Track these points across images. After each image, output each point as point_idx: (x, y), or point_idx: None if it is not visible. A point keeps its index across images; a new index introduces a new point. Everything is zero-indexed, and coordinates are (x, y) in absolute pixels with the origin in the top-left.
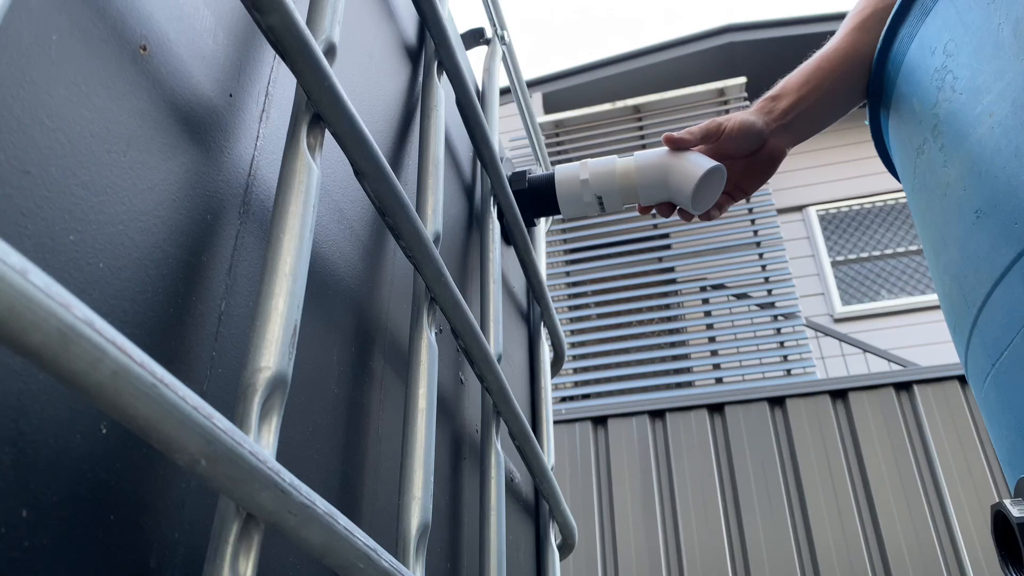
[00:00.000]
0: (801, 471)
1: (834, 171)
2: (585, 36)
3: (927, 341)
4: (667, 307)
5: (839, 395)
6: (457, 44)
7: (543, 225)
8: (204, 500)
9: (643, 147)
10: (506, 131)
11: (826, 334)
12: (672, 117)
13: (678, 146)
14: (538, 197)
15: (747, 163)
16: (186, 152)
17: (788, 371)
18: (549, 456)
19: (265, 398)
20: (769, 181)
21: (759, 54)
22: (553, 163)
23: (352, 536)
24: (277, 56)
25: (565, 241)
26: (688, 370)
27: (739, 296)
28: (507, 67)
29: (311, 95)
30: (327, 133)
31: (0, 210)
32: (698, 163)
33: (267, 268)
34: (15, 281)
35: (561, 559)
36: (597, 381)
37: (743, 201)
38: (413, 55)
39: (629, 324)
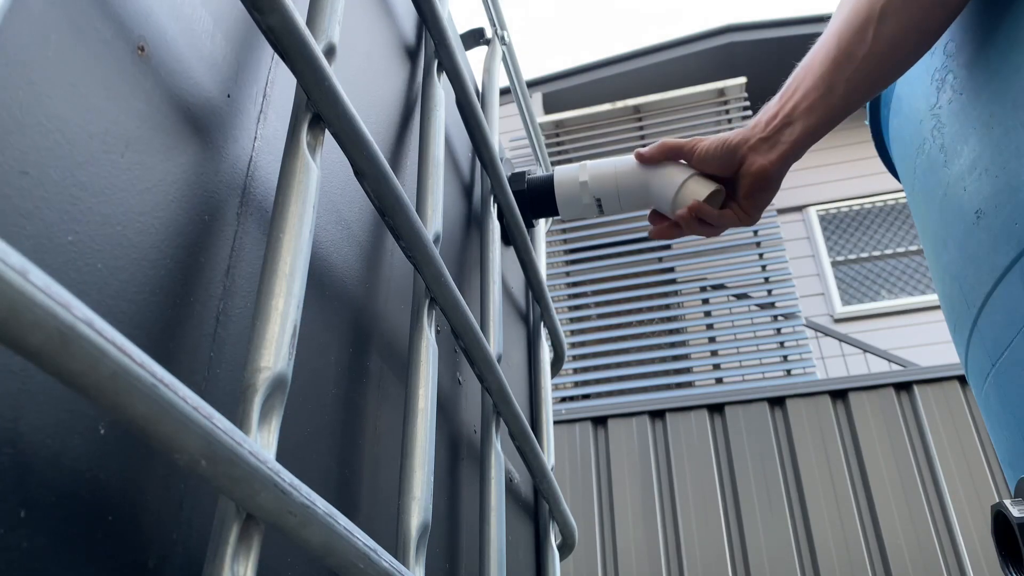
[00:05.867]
0: (801, 471)
1: (834, 171)
2: (585, 36)
3: (927, 341)
4: (667, 307)
5: (839, 395)
6: (457, 44)
7: (543, 225)
8: (204, 500)
9: (643, 147)
10: (506, 131)
11: (826, 334)
12: (672, 117)
13: (643, 160)
14: (537, 198)
15: (739, 184)
16: (184, 153)
17: (788, 371)
18: (549, 456)
19: (265, 398)
20: None
21: (759, 54)
22: (553, 163)
23: (352, 536)
24: (276, 56)
25: (565, 241)
26: (688, 370)
27: (739, 296)
28: (507, 67)
29: (311, 95)
30: (327, 133)
31: (0, 210)
32: (679, 170)
33: (267, 268)
34: (15, 281)
35: (561, 559)
36: (597, 381)
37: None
38: (413, 55)
39: (629, 324)
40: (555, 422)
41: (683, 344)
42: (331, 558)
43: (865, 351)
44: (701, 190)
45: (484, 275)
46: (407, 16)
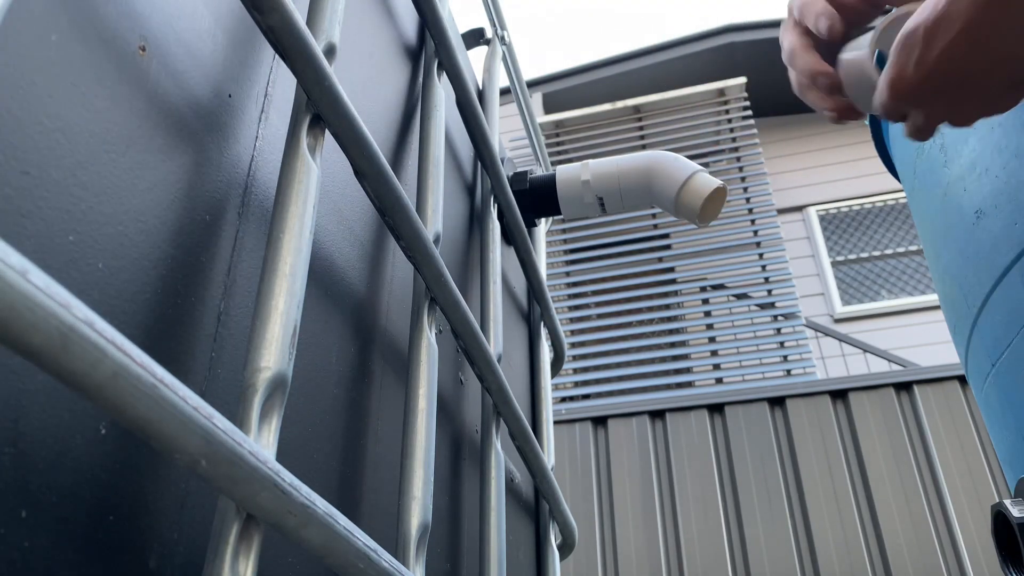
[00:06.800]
0: (801, 471)
1: (834, 171)
2: (585, 36)
3: (927, 341)
4: (667, 307)
5: (839, 395)
6: (457, 44)
7: (543, 225)
8: (204, 500)
9: (643, 147)
10: (506, 131)
11: (826, 334)
12: (672, 117)
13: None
14: (539, 197)
15: None
16: (185, 153)
17: (788, 371)
18: (549, 456)
19: (265, 398)
20: (769, 181)
21: (759, 54)
22: (553, 163)
23: (352, 536)
24: (276, 56)
25: (565, 241)
26: (688, 370)
27: (739, 296)
28: (507, 67)
29: (311, 95)
30: (327, 133)
31: (0, 210)
32: (681, 168)
33: (267, 268)
34: (15, 281)
35: (561, 559)
36: (597, 381)
37: (745, 201)
38: (413, 55)
39: (629, 324)
40: (555, 422)
41: (683, 344)
42: (331, 558)
43: (865, 351)
44: (704, 188)
45: (484, 275)
46: (407, 16)
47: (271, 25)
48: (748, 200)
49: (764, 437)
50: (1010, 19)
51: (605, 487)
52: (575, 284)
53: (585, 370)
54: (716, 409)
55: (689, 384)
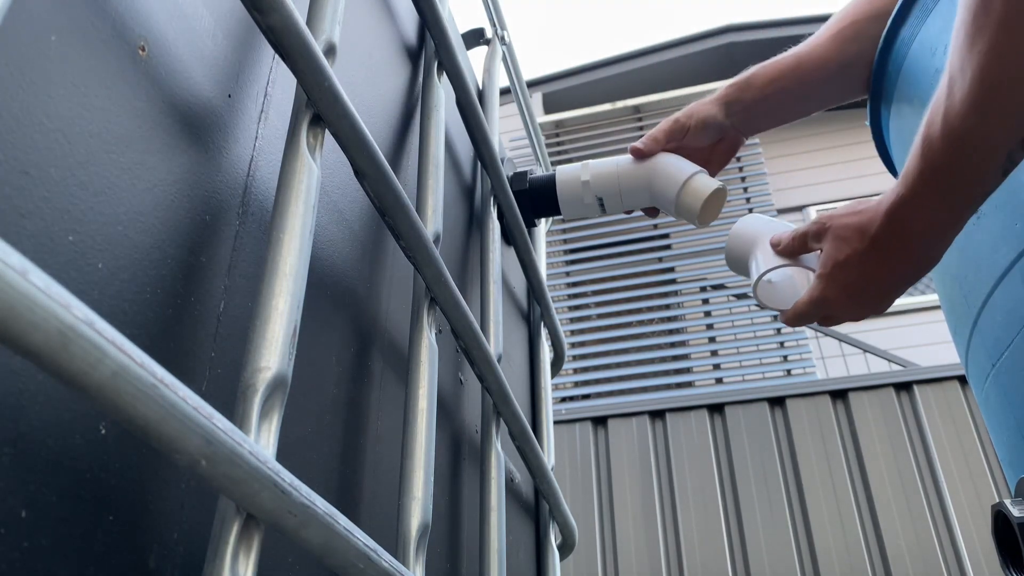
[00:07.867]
0: (801, 471)
1: (834, 171)
2: (585, 36)
3: (927, 341)
4: (667, 307)
5: (839, 395)
6: (457, 44)
7: (543, 225)
8: (204, 500)
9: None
10: (506, 131)
11: (826, 334)
12: None
13: (643, 155)
14: (539, 198)
15: (707, 152)
16: (185, 153)
17: (788, 371)
18: (549, 456)
19: (265, 398)
20: (769, 181)
21: (759, 54)
22: (553, 163)
23: (352, 536)
24: (276, 56)
25: (565, 241)
26: (688, 370)
27: (739, 296)
28: (507, 67)
29: (311, 95)
30: (327, 133)
31: (0, 210)
32: (681, 168)
33: (267, 268)
34: (15, 281)
35: (561, 559)
36: (597, 381)
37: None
38: (413, 55)
39: (629, 324)
40: (555, 422)
41: (683, 344)
42: (331, 558)
43: (865, 351)
44: (704, 188)
45: (484, 275)
46: (408, 16)
47: (271, 25)
48: (748, 200)
49: (764, 437)
50: (921, 244)
51: (605, 487)
52: (575, 284)
53: (585, 370)
54: (716, 409)
55: (689, 384)
